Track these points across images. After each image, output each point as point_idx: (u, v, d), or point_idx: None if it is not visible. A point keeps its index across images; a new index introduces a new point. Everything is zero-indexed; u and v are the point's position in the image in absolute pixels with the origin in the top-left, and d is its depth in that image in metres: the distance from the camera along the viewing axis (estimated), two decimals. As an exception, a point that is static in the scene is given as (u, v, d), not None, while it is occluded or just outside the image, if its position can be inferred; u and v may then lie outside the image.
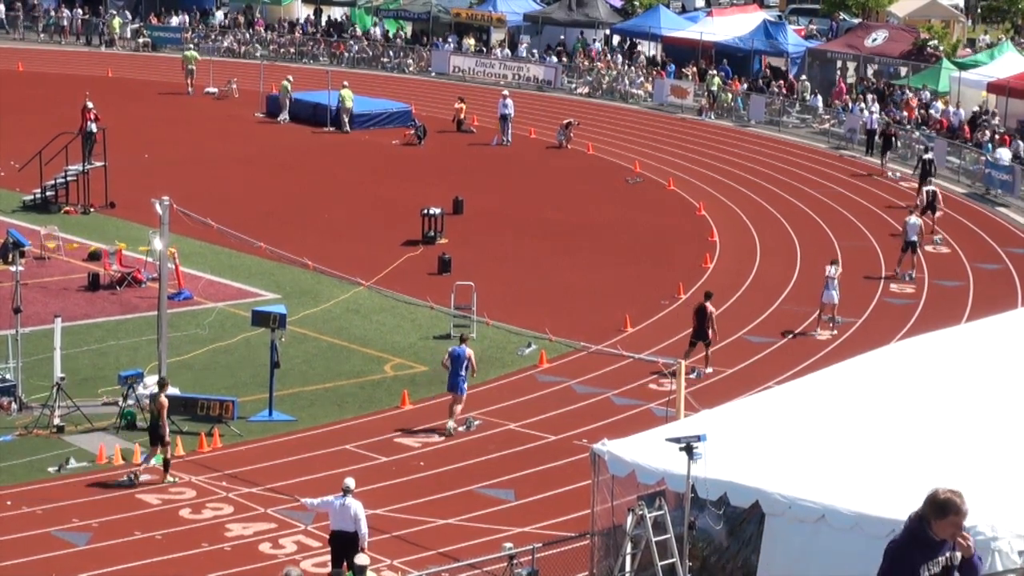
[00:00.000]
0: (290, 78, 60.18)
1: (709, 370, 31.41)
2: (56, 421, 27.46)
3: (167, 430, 25.57)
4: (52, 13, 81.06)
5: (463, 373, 28.20)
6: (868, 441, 19.28)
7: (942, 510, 11.06)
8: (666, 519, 18.08)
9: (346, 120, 57.02)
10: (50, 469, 25.85)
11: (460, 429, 28.08)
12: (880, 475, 18.23)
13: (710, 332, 31.53)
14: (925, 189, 45.06)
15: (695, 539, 18.64)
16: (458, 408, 28.24)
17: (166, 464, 25.57)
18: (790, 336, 34.11)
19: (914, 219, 39.48)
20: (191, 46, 71.23)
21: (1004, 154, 50.09)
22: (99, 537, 23.31)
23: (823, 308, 34.79)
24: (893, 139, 53.60)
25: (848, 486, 17.90)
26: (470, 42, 73.89)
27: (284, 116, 58.72)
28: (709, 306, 31.70)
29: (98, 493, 24.90)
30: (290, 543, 23.26)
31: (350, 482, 21.65)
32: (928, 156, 48.57)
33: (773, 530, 17.99)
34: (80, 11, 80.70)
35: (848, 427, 19.79)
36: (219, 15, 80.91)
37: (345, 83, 58.51)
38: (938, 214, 44.16)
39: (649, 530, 17.94)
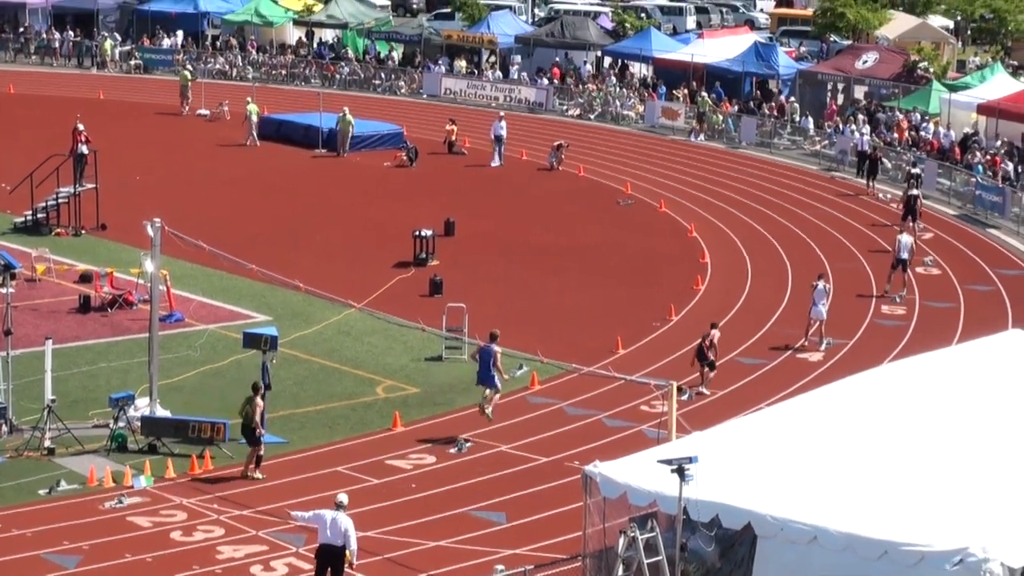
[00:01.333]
0: (249, 99, 59.74)
1: (704, 388, 31.70)
2: (47, 443, 27.40)
3: (260, 431, 26.69)
4: (43, 35, 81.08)
5: (492, 371, 28.77)
6: (860, 462, 19.30)
7: None
8: (658, 541, 18.08)
9: (346, 143, 56.79)
10: (41, 491, 25.79)
11: (488, 410, 28.92)
12: (872, 496, 18.25)
13: (711, 354, 31.72)
14: (909, 193, 45.41)
15: (687, 561, 18.64)
16: (496, 397, 29.04)
17: (258, 460, 26.61)
18: (783, 351, 34.14)
19: (906, 237, 39.64)
20: (188, 67, 71.33)
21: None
22: (89, 559, 23.24)
23: (811, 323, 34.97)
24: (879, 162, 53.72)
25: (840, 507, 17.90)
26: (461, 64, 73.93)
27: (252, 140, 58.23)
28: (715, 332, 32.12)
29: (88, 515, 24.85)
30: (281, 565, 23.22)
31: (343, 498, 21.83)
32: (916, 170, 48.77)
33: (765, 552, 17.99)
34: (71, 33, 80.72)
35: (840, 448, 19.81)
36: (179, 35, 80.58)
37: (345, 108, 58.28)
38: (928, 235, 44.21)
39: (641, 552, 17.93)
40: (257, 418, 26.65)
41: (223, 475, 26.77)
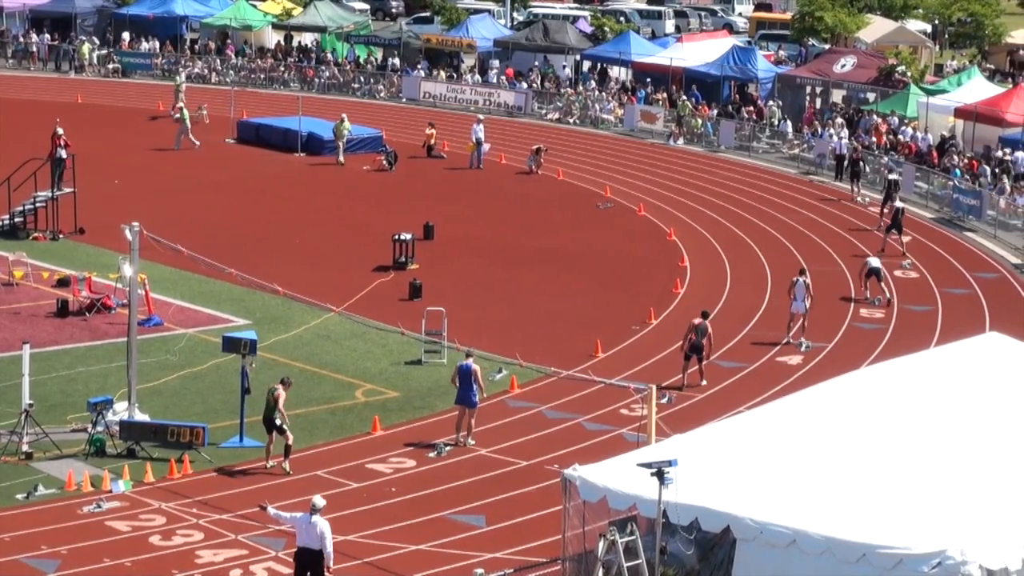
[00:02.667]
0: (181, 104, 58.30)
1: (704, 382, 32.05)
2: (24, 448, 27.32)
3: (284, 419, 27.03)
4: (21, 39, 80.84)
5: (474, 388, 28.56)
6: (839, 466, 19.35)
7: None
8: (637, 544, 18.12)
9: (340, 150, 56.12)
10: (18, 496, 25.72)
11: (472, 443, 28.56)
12: (851, 499, 18.29)
13: (707, 348, 32.17)
14: (893, 205, 45.35)
15: (666, 564, 18.68)
16: (472, 421, 28.72)
17: (287, 450, 26.94)
18: (766, 352, 34.23)
19: (873, 260, 39.77)
20: (182, 72, 71.08)
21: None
22: (68, 564, 23.18)
23: (792, 319, 35.39)
24: (861, 163, 53.72)
25: (819, 511, 17.95)
26: (441, 74, 73.53)
27: (177, 145, 57.15)
28: (709, 325, 32.35)
29: (67, 520, 24.78)
30: (261, 570, 23.18)
31: (318, 501, 21.77)
32: (893, 176, 48.79)
33: (744, 555, 18.03)
34: (48, 36, 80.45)
35: (819, 452, 19.86)
36: (125, 37, 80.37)
37: (344, 115, 57.89)
38: (907, 239, 44.33)
39: (620, 555, 17.97)
40: (282, 409, 26.97)
41: (202, 479, 26.73)
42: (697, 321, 32.54)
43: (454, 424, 28.87)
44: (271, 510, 22.66)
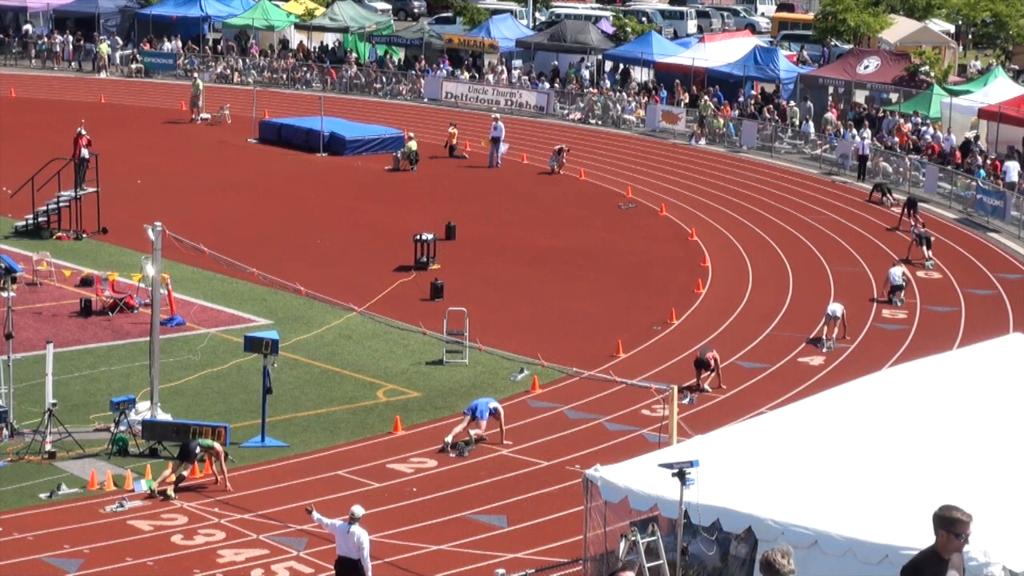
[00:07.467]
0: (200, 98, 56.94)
1: (723, 386, 32.06)
2: (47, 447, 27.41)
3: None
4: (44, 39, 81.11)
5: (487, 412, 28.69)
6: (861, 467, 19.30)
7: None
8: (659, 545, 18.08)
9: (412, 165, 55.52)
10: (41, 495, 25.80)
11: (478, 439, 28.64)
12: (873, 500, 18.24)
13: (716, 374, 32.05)
14: (918, 232, 44.37)
15: (688, 565, 18.64)
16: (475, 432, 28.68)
17: (180, 479, 26.04)
18: (806, 342, 34.23)
19: (896, 268, 39.57)
20: (199, 75, 71.11)
21: (1012, 167, 50.10)
22: (90, 563, 23.25)
23: (826, 320, 35.69)
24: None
25: (841, 512, 17.90)
26: (464, 75, 73.55)
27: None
28: (711, 357, 32.15)
29: (89, 519, 24.85)
30: (282, 569, 23.21)
31: (357, 510, 21.70)
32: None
33: (766, 556, 17.97)
34: (71, 36, 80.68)
35: (841, 453, 19.80)
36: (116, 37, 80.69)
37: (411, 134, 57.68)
38: (930, 252, 44.01)
39: (642, 556, 17.93)
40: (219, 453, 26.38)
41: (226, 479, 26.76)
42: (698, 354, 32.53)
43: (462, 430, 28.73)
44: (315, 515, 22.63)
